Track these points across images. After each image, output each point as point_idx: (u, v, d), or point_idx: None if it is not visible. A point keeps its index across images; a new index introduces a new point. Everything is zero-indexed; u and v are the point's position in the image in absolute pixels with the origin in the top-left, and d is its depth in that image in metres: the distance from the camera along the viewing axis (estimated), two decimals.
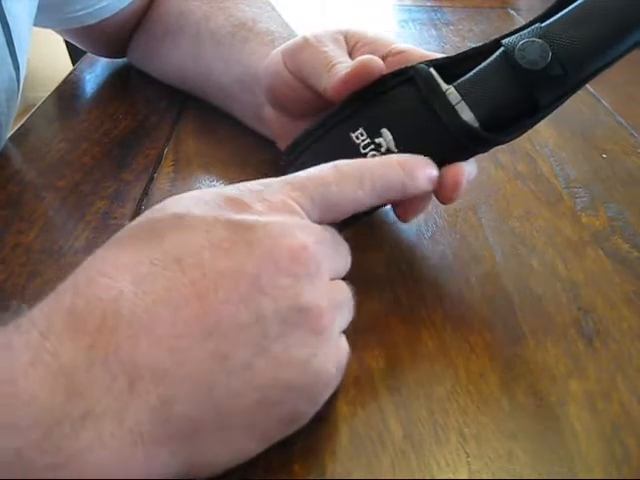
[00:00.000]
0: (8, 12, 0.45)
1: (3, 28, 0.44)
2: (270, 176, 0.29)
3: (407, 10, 0.89)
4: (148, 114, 0.55)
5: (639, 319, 0.34)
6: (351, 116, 0.36)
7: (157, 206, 0.26)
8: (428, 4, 0.92)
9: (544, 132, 0.54)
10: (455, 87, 0.35)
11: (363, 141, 0.35)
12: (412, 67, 0.36)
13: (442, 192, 0.35)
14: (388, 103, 0.36)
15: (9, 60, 0.46)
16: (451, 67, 0.36)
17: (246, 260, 0.24)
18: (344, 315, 0.28)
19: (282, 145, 0.46)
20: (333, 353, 0.26)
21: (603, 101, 0.60)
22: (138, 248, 0.24)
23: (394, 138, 0.35)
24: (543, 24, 0.34)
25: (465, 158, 0.35)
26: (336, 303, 0.27)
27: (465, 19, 0.85)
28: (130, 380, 0.22)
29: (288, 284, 0.25)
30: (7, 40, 0.45)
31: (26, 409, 0.20)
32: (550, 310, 0.35)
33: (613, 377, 0.31)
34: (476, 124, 0.34)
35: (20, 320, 0.22)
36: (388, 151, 0.35)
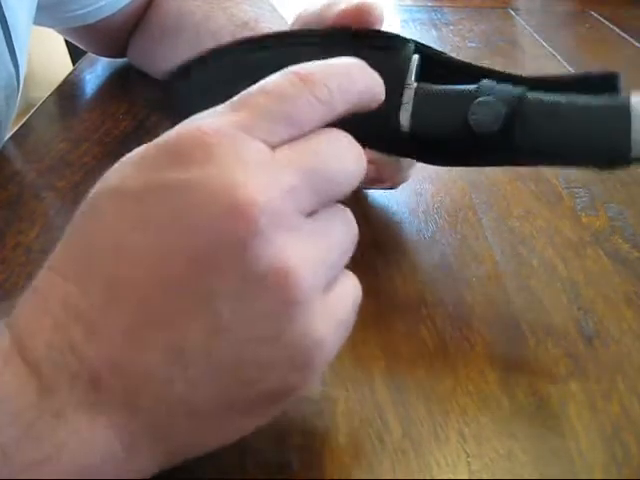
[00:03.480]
0: (8, 11, 0.45)
1: (2, 26, 0.44)
2: None
3: (408, 10, 0.89)
4: (149, 114, 0.55)
5: (639, 319, 0.34)
6: (320, 45, 0.35)
7: (103, 176, 0.24)
8: (429, 4, 0.92)
9: None
10: (417, 88, 0.35)
11: None
12: (406, 40, 0.35)
13: None
14: (358, 57, 0.35)
15: (8, 58, 0.46)
16: (443, 67, 0.36)
17: (181, 236, 0.21)
18: (330, 256, 0.24)
19: None
20: (317, 316, 0.22)
21: None
22: (82, 236, 0.23)
23: None
24: (528, 93, 0.33)
25: (387, 152, 0.35)
26: (320, 248, 0.23)
27: (465, 19, 0.85)
28: (91, 377, 0.21)
29: (237, 251, 0.21)
30: (6, 38, 0.45)
31: (4, 408, 0.21)
32: (550, 310, 0.35)
33: (613, 377, 0.31)
34: (406, 129, 0.34)
35: None
36: None
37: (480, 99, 0.33)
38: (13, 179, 0.46)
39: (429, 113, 0.34)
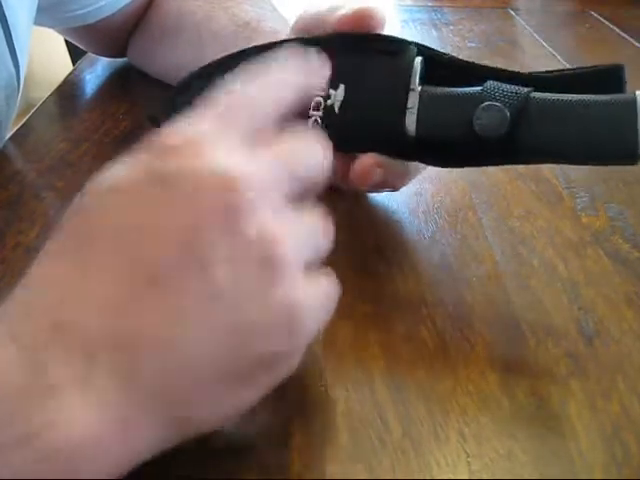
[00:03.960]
0: (8, 10, 0.45)
1: (3, 26, 0.45)
2: None
3: (408, 10, 0.89)
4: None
5: (639, 319, 0.34)
6: (324, 51, 0.35)
7: (91, 179, 0.26)
8: (429, 4, 0.92)
9: None
10: (421, 92, 0.35)
11: None
12: (409, 43, 0.35)
13: (351, 177, 0.36)
14: (361, 62, 0.35)
15: (9, 58, 0.46)
16: (447, 68, 0.36)
17: (174, 214, 0.23)
18: (309, 241, 0.26)
19: None
20: (299, 286, 0.24)
21: None
22: (78, 224, 0.25)
23: (345, 99, 0.34)
24: (534, 93, 0.33)
25: (394, 156, 0.36)
26: (295, 228, 0.25)
27: (465, 19, 0.85)
28: (86, 351, 0.22)
29: (227, 224, 0.23)
30: (7, 38, 0.45)
31: None
32: (550, 310, 0.35)
33: (613, 377, 0.31)
34: (412, 134, 0.34)
35: None
36: (331, 107, 0.34)
37: (485, 104, 0.33)
38: (13, 179, 0.46)
39: (434, 117, 0.34)
